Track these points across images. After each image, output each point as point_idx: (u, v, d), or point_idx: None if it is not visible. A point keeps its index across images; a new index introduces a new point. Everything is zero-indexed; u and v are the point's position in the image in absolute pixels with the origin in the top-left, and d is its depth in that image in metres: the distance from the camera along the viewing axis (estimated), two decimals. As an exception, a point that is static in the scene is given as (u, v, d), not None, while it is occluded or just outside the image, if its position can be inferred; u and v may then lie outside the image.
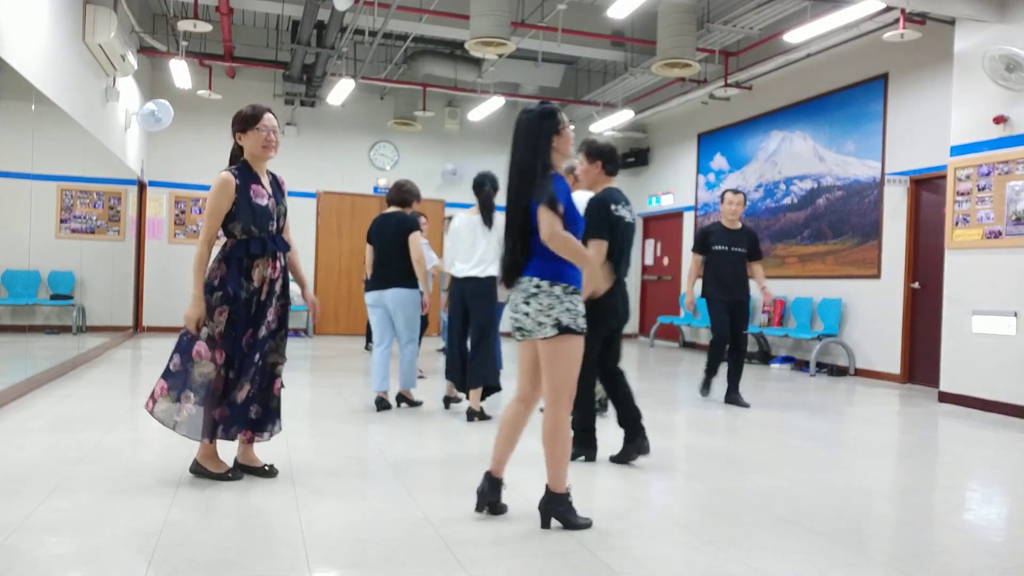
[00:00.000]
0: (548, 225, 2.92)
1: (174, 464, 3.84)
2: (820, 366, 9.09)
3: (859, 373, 8.84)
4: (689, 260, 12.47)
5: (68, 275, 7.43)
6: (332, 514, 3.15)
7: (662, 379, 8.30)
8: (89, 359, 7.91)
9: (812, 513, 3.39)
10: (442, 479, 3.83)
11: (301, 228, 12.31)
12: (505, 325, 3.60)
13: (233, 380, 3.51)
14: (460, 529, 3.02)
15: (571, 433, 3.11)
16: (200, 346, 3.44)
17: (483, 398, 5.54)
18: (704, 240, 6.59)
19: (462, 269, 5.53)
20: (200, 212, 11.96)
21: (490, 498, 3.19)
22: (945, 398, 6.96)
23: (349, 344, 11.03)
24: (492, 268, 5.42)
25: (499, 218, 5.20)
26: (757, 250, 6.56)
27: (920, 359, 8.16)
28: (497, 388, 5.66)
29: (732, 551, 2.87)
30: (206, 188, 12.11)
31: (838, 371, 8.94)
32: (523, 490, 3.57)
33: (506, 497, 3.18)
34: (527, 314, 3.03)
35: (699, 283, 6.62)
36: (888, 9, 7.32)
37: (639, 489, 3.73)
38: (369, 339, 9.93)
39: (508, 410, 3.20)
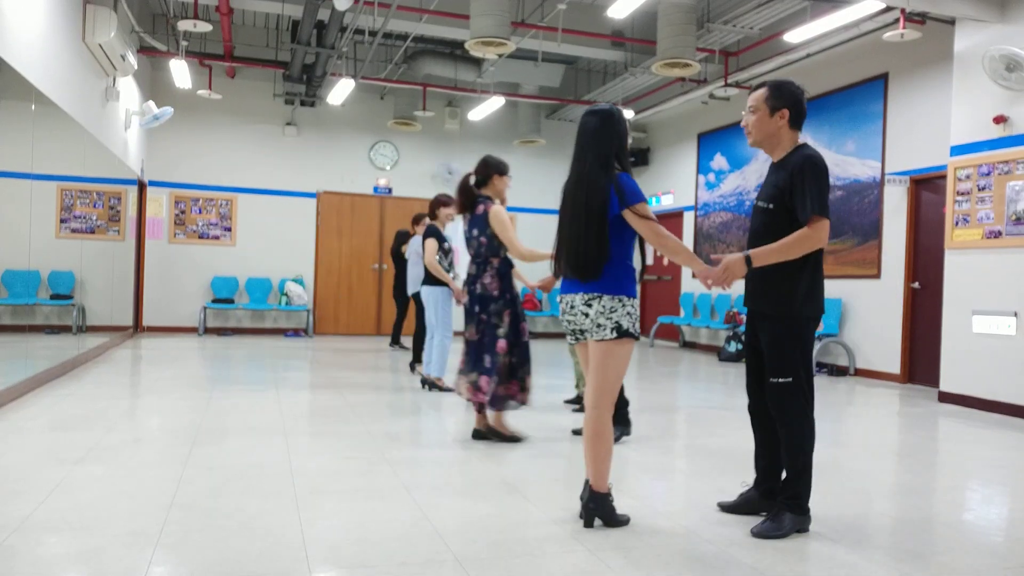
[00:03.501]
0: (659, 234, 3.14)
1: (174, 464, 3.85)
2: (820, 366, 9.08)
3: (859, 373, 8.84)
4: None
5: (68, 275, 7.43)
6: (332, 514, 3.15)
7: (662, 379, 8.30)
8: (89, 359, 7.91)
9: (812, 513, 3.39)
10: (443, 479, 3.83)
11: (301, 228, 12.34)
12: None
13: (516, 363, 4.50)
14: (460, 529, 3.02)
15: (612, 432, 3.11)
16: (503, 343, 4.46)
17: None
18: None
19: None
20: (200, 212, 11.98)
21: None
22: (945, 398, 6.96)
23: (349, 343, 11.03)
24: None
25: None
26: (801, 200, 3.12)
27: (920, 359, 8.16)
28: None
29: (733, 551, 2.87)
30: (206, 188, 12.27)
31: (838, 371, 8.94)
32: (524, 490, 3.58)
33: (507, 499, 3.17)
34: (587, 315, 3.06)
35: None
36: (888, 9, 7.31)
37: (639, 489, 3.73)
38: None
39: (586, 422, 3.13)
